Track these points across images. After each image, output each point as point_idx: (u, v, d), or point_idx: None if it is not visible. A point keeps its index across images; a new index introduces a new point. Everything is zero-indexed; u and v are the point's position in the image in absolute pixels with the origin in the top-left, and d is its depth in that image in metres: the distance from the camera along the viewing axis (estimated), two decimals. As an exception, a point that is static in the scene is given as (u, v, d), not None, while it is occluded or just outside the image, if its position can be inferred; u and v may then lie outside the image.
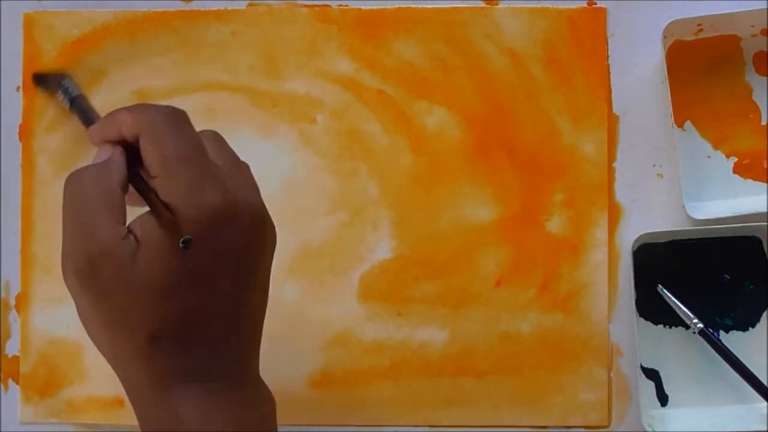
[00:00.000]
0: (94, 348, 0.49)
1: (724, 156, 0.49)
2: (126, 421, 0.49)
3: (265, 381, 0.49)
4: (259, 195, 0.36)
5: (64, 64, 0.50)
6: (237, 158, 0.37)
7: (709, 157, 0.49)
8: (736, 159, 0.49)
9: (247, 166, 0.37)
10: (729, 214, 0.47)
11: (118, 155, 0.35)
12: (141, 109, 0.35)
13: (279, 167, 0.49)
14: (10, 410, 0.50)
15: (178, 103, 0.49)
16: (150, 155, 0.34)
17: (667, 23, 0.47)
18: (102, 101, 0.50)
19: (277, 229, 0.49)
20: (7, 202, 0.50)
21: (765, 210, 0.47)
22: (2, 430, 0.50)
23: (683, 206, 0.47)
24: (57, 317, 0.49)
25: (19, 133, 0.50)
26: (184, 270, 0.33)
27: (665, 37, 0.47)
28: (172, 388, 0.34)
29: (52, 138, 0.50)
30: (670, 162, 0.49)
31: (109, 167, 0.35)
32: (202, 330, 0.34)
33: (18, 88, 0.50)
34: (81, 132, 0.50)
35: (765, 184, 0.49)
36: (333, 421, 0.49)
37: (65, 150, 0.50)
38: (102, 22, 0.50)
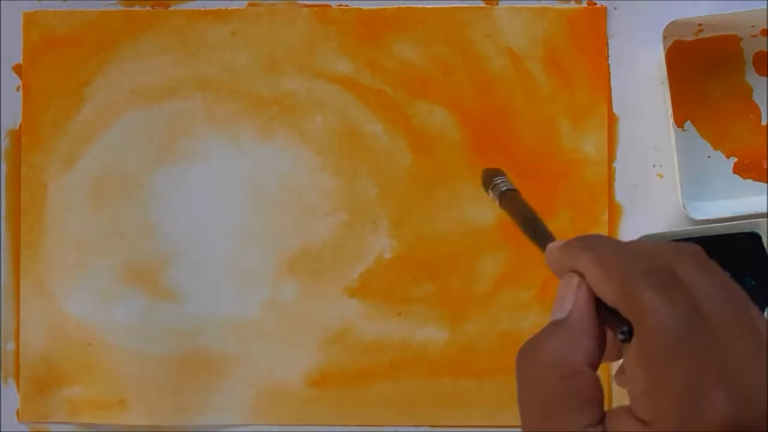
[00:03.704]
0: (95, 348, 0.49)
1: (724, 156, 0.49)
2: (126, 421, 0.49)
3: (264, 380, 0.49)
4: None
5: (64, 63, 0.50)
6: (759, 324, 0.24)
7: (709, 157, 0.49)
8: (736, 159, 0.49)
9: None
10: (729, 214, 0.47)
11: (585, 314, 0.25)
12: (622, 260, 0.25)
13: (279, 167, 0.49)
14: (10, 410, 0.50)
15: (178, 103, 0.49)
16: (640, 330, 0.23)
17: (667, 23, 0.46)
18: (102, 101, 0.50)
19: (277, 229, 0.49)
20: (7, 202, 0.50)
21: (765, 210, 0.47)
22: (2, 429, 0.50)
23: (683, 206, 0.47)
24: (58, 317, 0.49)
25: (19, 133, 0.50)
26: None
27: (665, 37, 0.47)
28: None
29: (52, 138, 0.50)
30: (670, 162, 0.49)
31: (572, 338, 0.25)
32: None
33: (18, 88, 0.50)
34: (81, 131, 0.50)
35: (765, 185, 0.49)
36: (333, 421, 0.49)
37: (66, 150, 0.50)
38: (102, 21, 0.50)
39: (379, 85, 0.49)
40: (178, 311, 0.49)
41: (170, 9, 0.50)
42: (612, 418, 0.24)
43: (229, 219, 0.49)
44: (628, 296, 0.24)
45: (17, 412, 0.50)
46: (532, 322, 0.49)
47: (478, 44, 0.49)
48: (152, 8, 0.50)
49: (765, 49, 0.49)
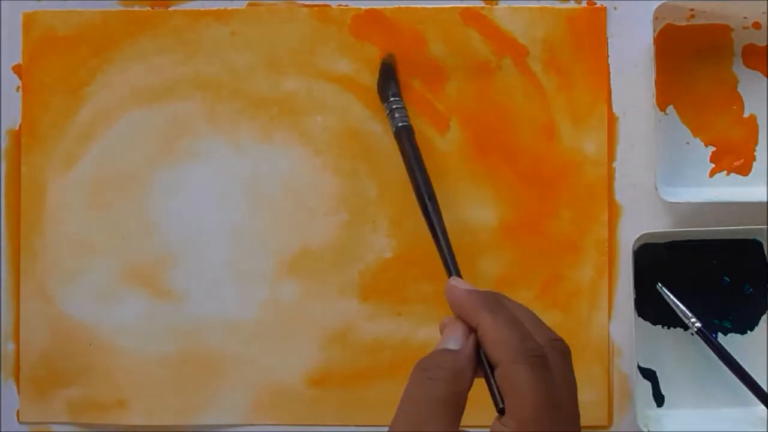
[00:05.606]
0: (95, 348, 0.49)
1: (702, 144, 0.49)
2: (126, 421, 0.49)
3: (265, 380, 0.49)
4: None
5: (64, 63, 0.49)
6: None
7: (687, 143, 0.49)
8: (714, 148, 0.49)
9: None
10: (701, 200, 0.47)
11: (472, 356, 0.35)
12: (509, 329, 0.34)
13: (279, 167, 0.49)
14: (10, 410, 0.50)
15: (178, 103, 0.49)
16: (514, 401, 0.33)
17: (659, 5, 0.46)
18: (101, 101, 0.50)
19: (277, 230, 0.49)
20: (7, 202, 0.50)
21: (736, 200, 0.47)
22: (2, 430, 0.50)
23: (655, 187, 0.47)
24: (58, 317, 0.49)
25: (19, 133, 0.50)
26: None
27: (656, 18, 0.47)
28: None
29: (52, 138, 0.50)
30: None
31: (460, 370, 0.34)
32: None
33: (18, 88, 0.50)
34: (81, 131, 0.50)
35: (739, 176, 0.49)
36: (332, 421, 0.49)
37: (66, 150, 0.50)
38: (101, 22, 0.50)
39: (379, 85, 0.49)
40: (178, 311, 0.49)
41: (170, 9, 0.50)
42: None
43: (229, 219, 0.49)
44: (508, 374, 0.33)
45: (17, 413, 0.50)
46: (531, 322, 0.49)
47: (478, 44, 0.49)
48: (152, 8, 0.50)
49: (755, 42, 0.49)
